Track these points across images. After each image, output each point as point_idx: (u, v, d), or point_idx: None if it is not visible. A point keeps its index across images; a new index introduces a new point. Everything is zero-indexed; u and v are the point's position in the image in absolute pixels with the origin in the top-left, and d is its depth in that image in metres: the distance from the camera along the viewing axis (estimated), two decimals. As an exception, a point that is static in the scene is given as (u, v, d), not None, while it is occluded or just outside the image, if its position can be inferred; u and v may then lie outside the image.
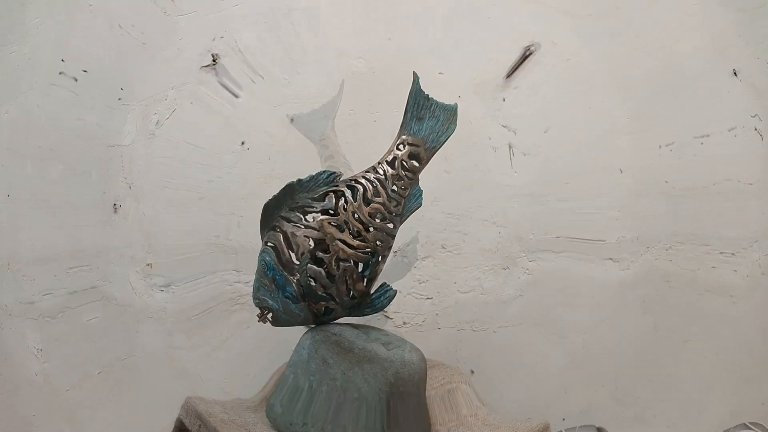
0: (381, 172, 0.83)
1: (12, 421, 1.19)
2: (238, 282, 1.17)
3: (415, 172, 0.84)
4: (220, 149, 1.14)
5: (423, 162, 0.82)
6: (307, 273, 0.74)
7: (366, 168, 0.86)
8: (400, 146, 0.81)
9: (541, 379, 1.21)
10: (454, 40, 1.15)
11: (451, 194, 1.17)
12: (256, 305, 0.81)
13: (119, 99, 1.14)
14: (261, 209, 0.79)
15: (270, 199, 0.77)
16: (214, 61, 1.09)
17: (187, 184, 1.15)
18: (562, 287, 1.19)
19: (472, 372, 1.20)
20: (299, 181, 0.77)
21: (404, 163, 0.81)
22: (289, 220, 0.75)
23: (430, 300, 1.18)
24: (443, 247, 1.18)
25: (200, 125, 1.12)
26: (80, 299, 1.17)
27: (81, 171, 1.15)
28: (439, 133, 0.81)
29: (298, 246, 0.75)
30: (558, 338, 1.20)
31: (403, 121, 0.84)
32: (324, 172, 0.79)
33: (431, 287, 1.17)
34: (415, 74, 0.87)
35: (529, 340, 1.20)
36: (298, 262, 0.76)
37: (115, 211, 1.15)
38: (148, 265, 1.14)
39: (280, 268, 0.75)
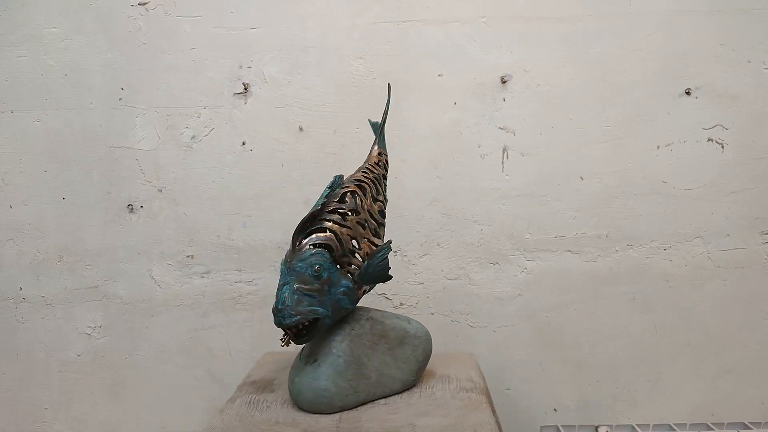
0: (376, 171, 0.88)
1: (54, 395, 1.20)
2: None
3: (387, 171, 0.93)
4: (253, 164, 1.17)
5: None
6: (379, 260, 0.78)
7: (360, 168, 0.88)
8: (380, 154, 0.92)
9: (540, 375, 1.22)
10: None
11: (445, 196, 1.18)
12: (291, 324, 0.72)
13: (119, 99, 1.14)
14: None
15: (307, 215, 0.76)
16: (245, 89, 1.13)
17: (220, 189, 1.17)
18: (556, 284, 1.20)
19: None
20: (328, 193, 0.79)
21: (384, 165, 0.92)
22: (333, 221, 0.77)
23: (421, 285, 1.20)
24: (438, 244, 1.19)
25: (233, 143, 1.16)
26: (93, 295, 1.18)
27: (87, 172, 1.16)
28: (383, 147, 0.94)
29: (345, 242, 0.77)
30: (557, 334, 1.21)
31: (380, 137, 0.93)
32: (336, 177, 0.82)
33: (424, 276, 1.20)
34: (389, 86, 0.93)
35: (526, 335, 1.21)
36: (356, 256, 0.79)
37: (131, 211, 1.16)
38: (188, 256, 1.17)
39: (335, 265, 0.76)
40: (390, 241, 0.81)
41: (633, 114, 1.16)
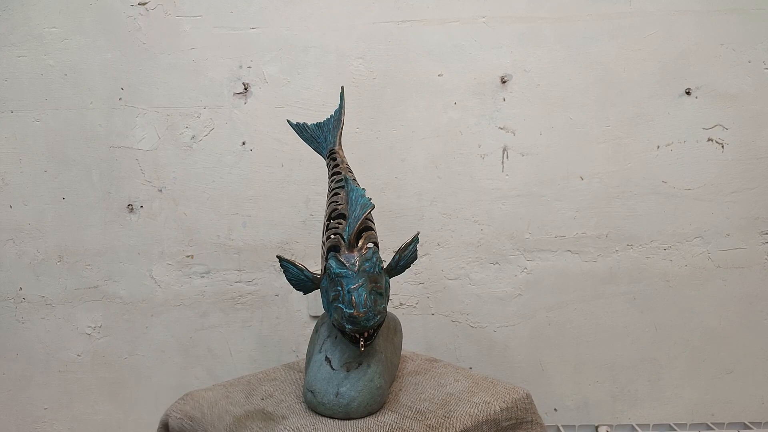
0: (352, 172, 0.89)
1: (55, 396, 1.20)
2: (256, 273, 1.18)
3: None
4: (253, 164, 1.16)
5: None
6: (411, 252, 0.78)
7: (341, 168, 0.87)
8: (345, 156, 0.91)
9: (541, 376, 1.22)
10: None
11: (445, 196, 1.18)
12: (374, 325, 0.71)
13: (119, 99, 1.14)
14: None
15: (362, 214, 0.74)
16: (245, 89, 1.13)
17: (220, 189, 1.17)
18: (557, 284, 1.20)
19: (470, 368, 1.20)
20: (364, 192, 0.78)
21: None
22: (371, 221, 0.79)
23: (422, 285, 1.20)
24: (438, 244, 1.19)
25: (233, 143, 1.16)
26: (93, 295, 1.18)
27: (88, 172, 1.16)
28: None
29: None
30: (555, 333, 1.21)
31: (341, 137, 0.92)
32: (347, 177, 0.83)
33: (424, 276, 1.20)
34: (342, 88, 0.93)
35: (525, 335, 1.21)
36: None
37: (131, 211, 1.16)
38: (188, 256, 1.17)
39: None
40: (418, 233, 0.81)
41: (633, 114, 1.16)
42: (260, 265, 1.18)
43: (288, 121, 0.96)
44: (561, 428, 1.22)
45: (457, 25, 1.15)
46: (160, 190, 1.16)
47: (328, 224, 0.78)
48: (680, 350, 1.21)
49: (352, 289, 0.70)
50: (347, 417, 0.75)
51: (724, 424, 1.23)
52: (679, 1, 1.14)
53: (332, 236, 0.75)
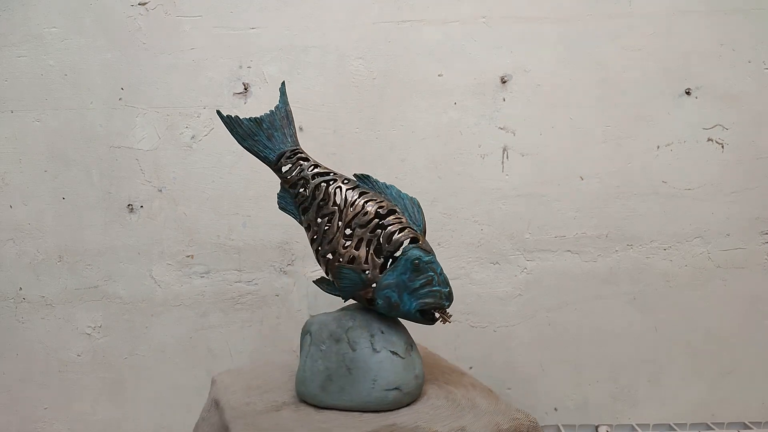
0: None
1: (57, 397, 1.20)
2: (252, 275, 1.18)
3: None
4: (253, 164, 1.15)
5: None
6: None
7: (322, 167, 0.85)
8: None
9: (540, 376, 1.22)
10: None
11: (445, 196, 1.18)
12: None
13: (119, 99, 1.14)
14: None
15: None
16: (245, 89, 1.13)
17: (220, 189, 1.17)
18: (557, 284, 1.20)
19: (470, 368, 1.20)
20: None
21: None
22: None
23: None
24: (438, 244, 1.19)
25: (233, 143, 1.15)
26: (93, 295, 1.18)
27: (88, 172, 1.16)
28: None
29: None
30: (555, 333, 1.21)
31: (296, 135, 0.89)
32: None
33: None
34: (283, 83, 0.89)
35: (525, 333, 1.21)
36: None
37: (131, 211, 1.16)
38: (188, 256, 1.17)
39: None
40: None
41: (633, 114, 1.16)
42: (260, 265, 1.18)
43: (218, 112, 0.85)
44: (561, 428, 1.22)
45: (457, 25, 1.15)
46: (160, 190, 1.16)
47: (379, 223, 0.77)
48: (680, 350, 1.21)
49: (440, 271, 0.78)
50: (417, 398, 0.78)
51: (724, 424, 1.23)
52: (679, 1, 1.14)
53: (402, 230, 0.77)
